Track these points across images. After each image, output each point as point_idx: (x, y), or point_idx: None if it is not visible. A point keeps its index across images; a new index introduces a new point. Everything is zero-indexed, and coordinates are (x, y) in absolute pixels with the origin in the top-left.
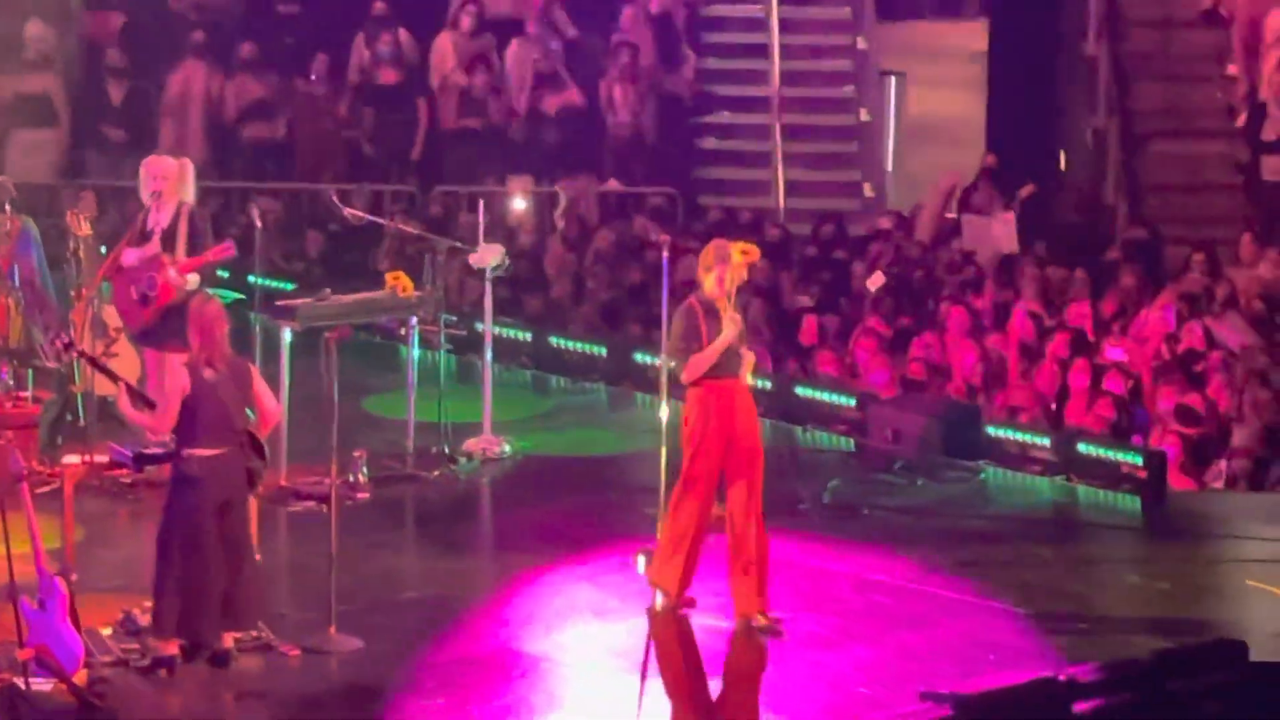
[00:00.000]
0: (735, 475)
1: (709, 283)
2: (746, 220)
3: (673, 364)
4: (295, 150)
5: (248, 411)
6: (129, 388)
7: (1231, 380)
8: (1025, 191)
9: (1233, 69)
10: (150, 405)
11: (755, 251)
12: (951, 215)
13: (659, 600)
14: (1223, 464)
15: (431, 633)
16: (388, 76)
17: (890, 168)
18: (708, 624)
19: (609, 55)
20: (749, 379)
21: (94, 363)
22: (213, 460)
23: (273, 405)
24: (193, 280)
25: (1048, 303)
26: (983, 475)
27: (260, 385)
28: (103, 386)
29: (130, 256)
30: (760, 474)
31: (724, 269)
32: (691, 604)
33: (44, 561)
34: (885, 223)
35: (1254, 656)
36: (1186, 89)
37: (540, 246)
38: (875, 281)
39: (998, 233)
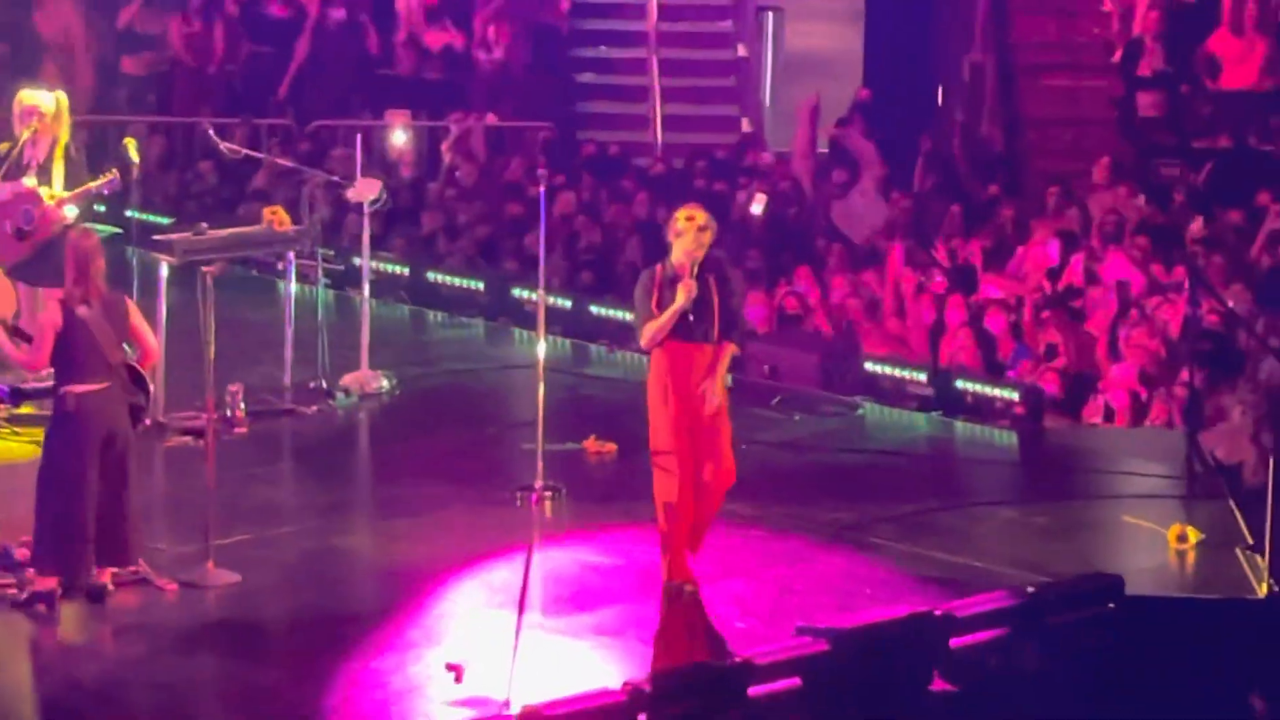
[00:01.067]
0: (704, 444)
1: (676, 249)
2: (617, 154)
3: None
4: (174, 85)
5: (126, 347)
6: (4, 324)
7: (1110, 316)
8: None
9: (1109, 4)
10: (29, 341)
11: (701, 216)
12: (823, 150)
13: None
14: (1100, 400)
15: (309, 567)
16: (268, 11)
17: (768, 103)
18: (588, 560)
19: None
20: (726, 377)
21: None
22: (91, 396)
23: (153, 341)
24: (70, 213)
25: (924, 238)
26: (860, 411)
27: (139, 321)
28: None
29: (3, 191)
30: (728, 442)
31: (689, 238)
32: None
33: None
34: (764, 158)
35: (1130, 591)
36: (1064, 24)
37: (419, 181)
38: (758, 203)
39: (859, 205)
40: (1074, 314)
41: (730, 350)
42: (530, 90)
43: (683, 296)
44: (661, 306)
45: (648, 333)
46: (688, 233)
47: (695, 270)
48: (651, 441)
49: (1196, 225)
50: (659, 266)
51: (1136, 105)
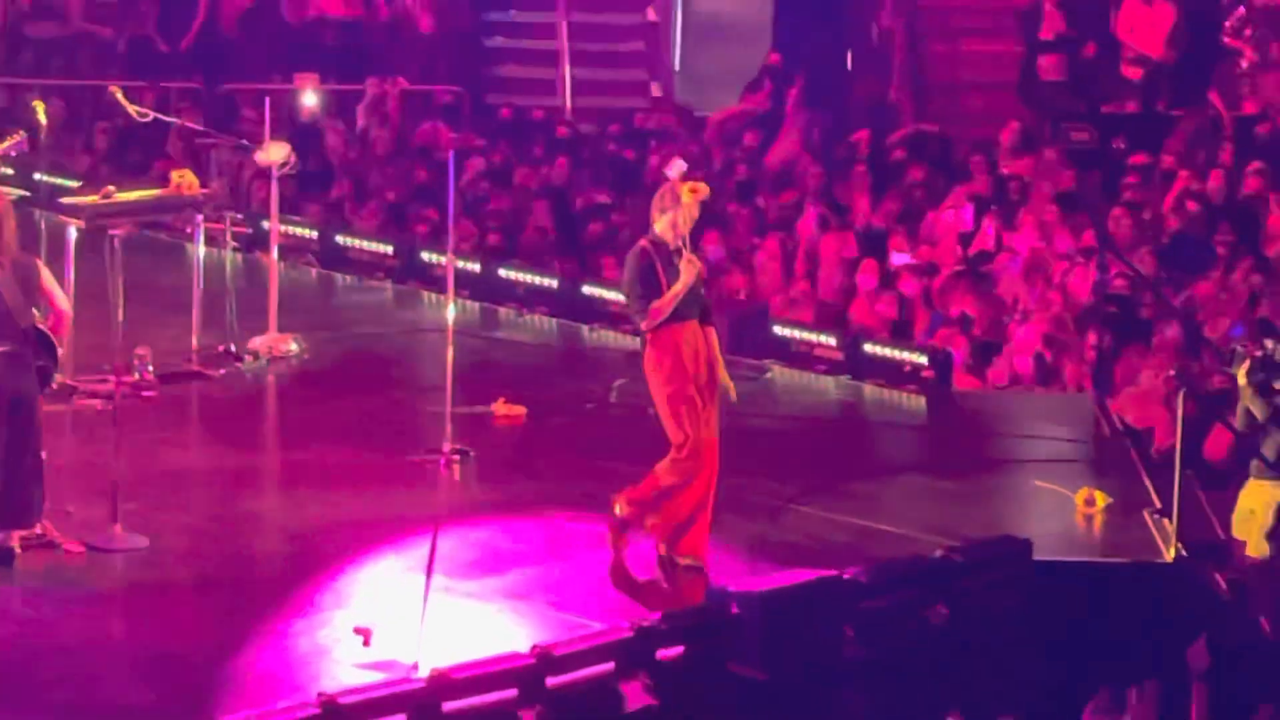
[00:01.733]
0: (710, 417)
1: (662, 225)
2: (526, 118)
3: (631, 311)
4: (80, 48)
5: (35, 310)
6: None
7: (1019, 281)
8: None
9: None
10: None
11: (703, 189)
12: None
13: (684, 563)
14: (1009, 364)
15: (217, 531)
16: None
17: (678, 67)
18: (496, 524)
19: None
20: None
21: None
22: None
23: (65, 303)
24: None
25: (834, 203)
26: (769, 374)
27: (50, 283)
28: None
29: None
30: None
31: (676, 211)
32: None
33: None
34: (673, 121)
35: (1038, 555)
36: None
37: (328, 144)
38: (677, 168)
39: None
40: (985, 279)
41: (713, 335)
42: (439, 54)
43: (689, 272)
44: (667, 284)
45: (660, 313)
46: (692, 205)
47: (688, 244)
48: (671, 426)
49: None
50: (644, 243)
51: (1038, 69)
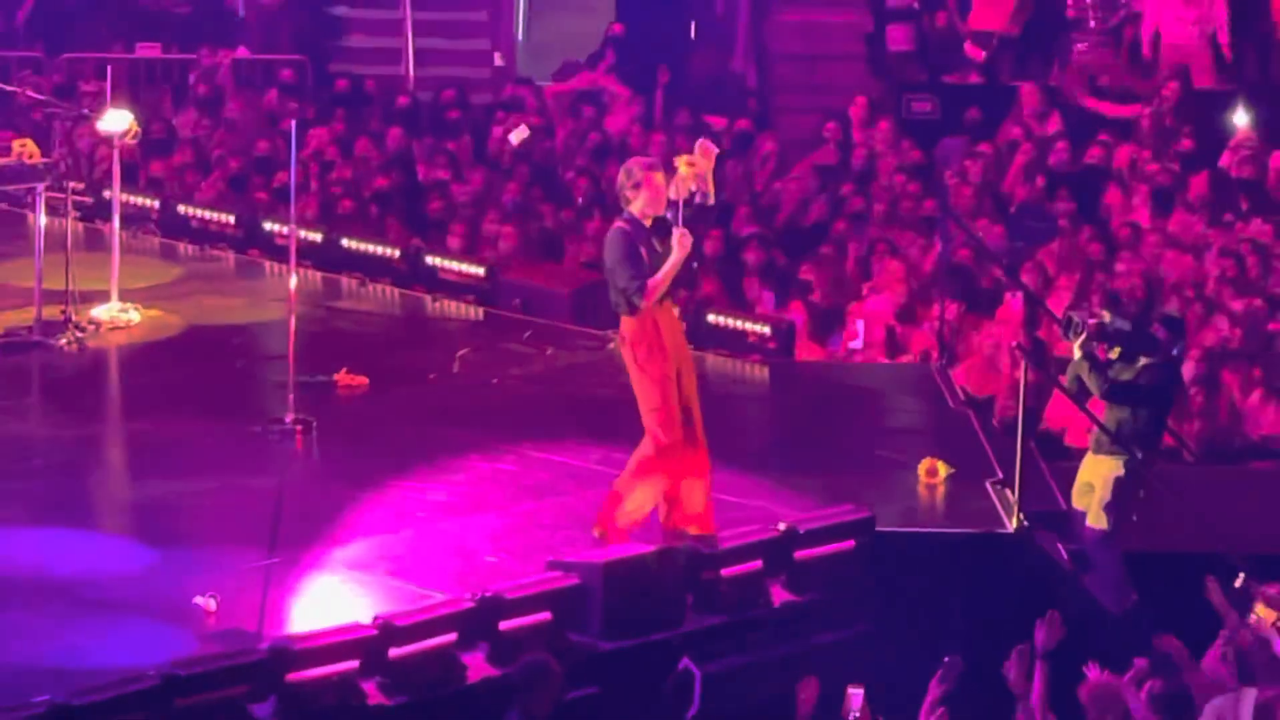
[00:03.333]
0: (688, 398)
1: (639, 204)
2: (369, 88)
3: (618, 293)
4: None
5: None
6: None
7: (863, 251)
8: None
9: None
10: None
11: (702, 160)
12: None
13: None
14: (852, 333)
15: (59, 500)
16: None
17: (521, 36)
18: (339, 494)
19: None
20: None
21: None
22: None
23: None
24: None
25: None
26: (611, 345)
27: None
28: None
29: None
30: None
31: (653, 183)
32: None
33: None
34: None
35: (880, 526)
36: None
37: (172, 113)
38: (520, 134)
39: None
40: (827, 248)
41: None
42: (283, 23)
43: (682, 248)
44: (650, 262)
45: (654, 290)
46: (688, 179)
47: (683, 216)
48: (657, 409)
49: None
50: (621, 224)
51: (887, 40)
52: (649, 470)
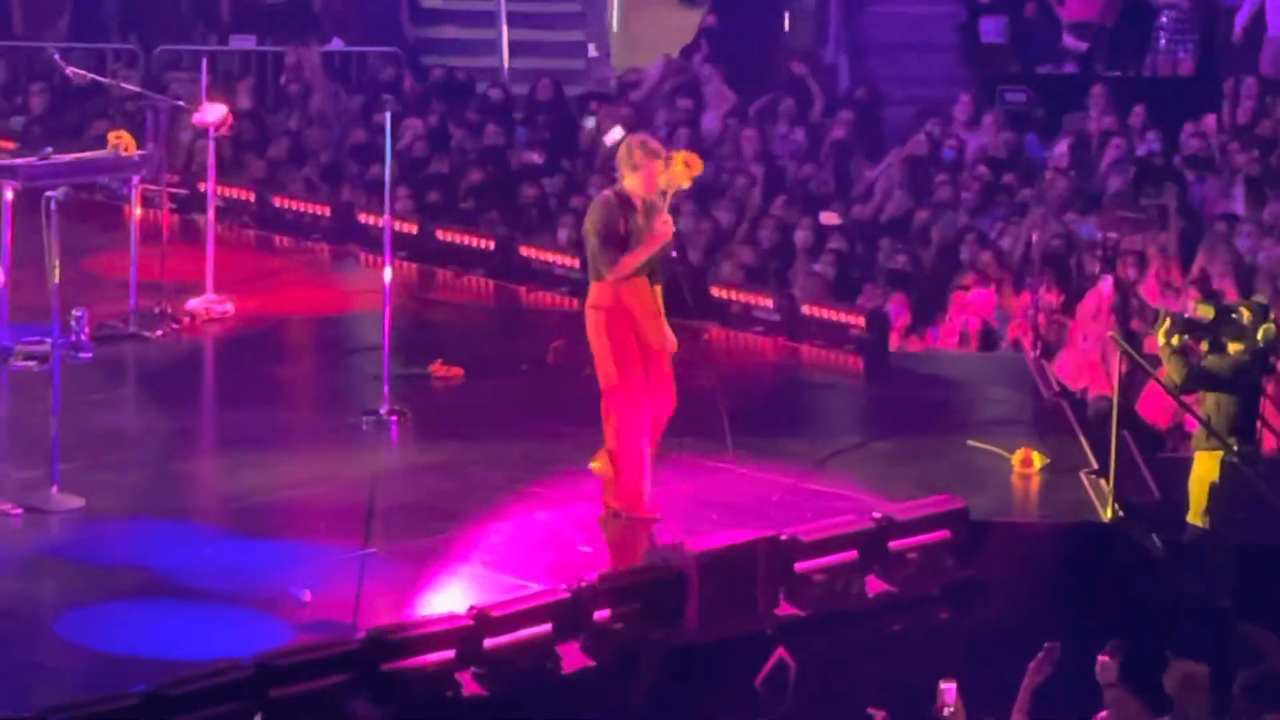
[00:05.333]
0: (657, 378)
1: (632, 181)
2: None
3: (593, 257)
4: (16, 8)
5: None
6: None
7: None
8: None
9: None
10: None
11: (698, 165)
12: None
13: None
14: (948, 324)
15: (153, 493)
16: None
17: (615, 28)
18: (434, 485)
19: None
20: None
21: None
22: None
23: None
24: None
25: (771, 164)
26: (707, 336)
27: None
28: None
29: None
30: (671, 373)
31: (651, 171)
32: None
33: None
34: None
35: (974, 516)
36: None
37: (263, 106)
38: (613, 136)
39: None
40: (914, 238)
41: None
42: (376, 15)
43: (664, 233)
44: (628, 238)
45: (626, 265)
46: (683, 176)
47: (670, 199)
48: (611, 376)
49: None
50: (610, 194)
51: (980, 30)
52: (618, 429)
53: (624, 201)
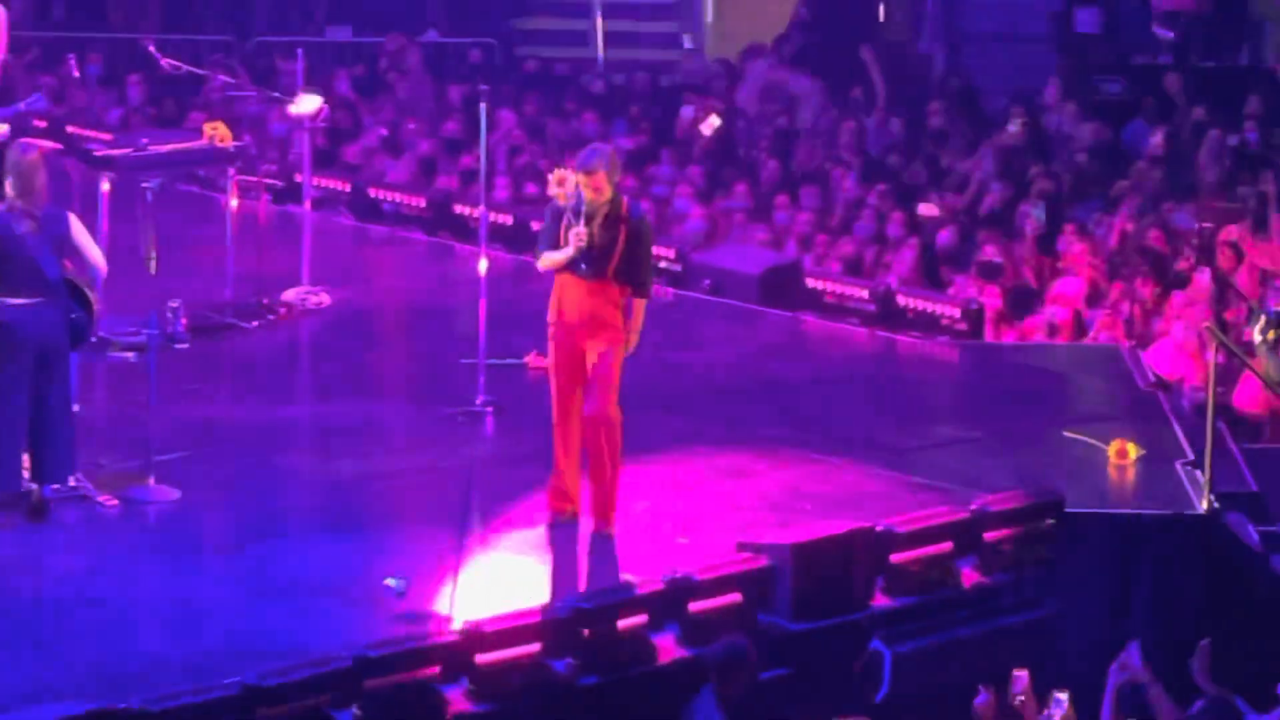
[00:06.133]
0: (588, 379)
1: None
2: (559, 70)
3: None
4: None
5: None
6: None
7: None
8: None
9: None
10: None
11: (570, 180)
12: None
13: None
14: (1043, 315)
15: (249, 484)
16: None
17: (710, 19)
18: (529, 476)
19: None
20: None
21: None
22: (26, 310)
23: (98, 256)
24: (2, 129)
25: (866, 154)
26: (802, 326)
27: (82, 236)
28: None
29: None
30: (610, 379)
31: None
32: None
33: None
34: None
35: (1070, 507)
36: None
37: (363, 97)
38: (709, 126)
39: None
40: (1011, 231)
41: (642, 306)
42: (472, 6)
43: (572, 244)
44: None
45: (542, 264)
46: (585, 187)
47: (585, 216)
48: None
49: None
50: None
51: (1075, 20)
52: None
53: (577, 204)
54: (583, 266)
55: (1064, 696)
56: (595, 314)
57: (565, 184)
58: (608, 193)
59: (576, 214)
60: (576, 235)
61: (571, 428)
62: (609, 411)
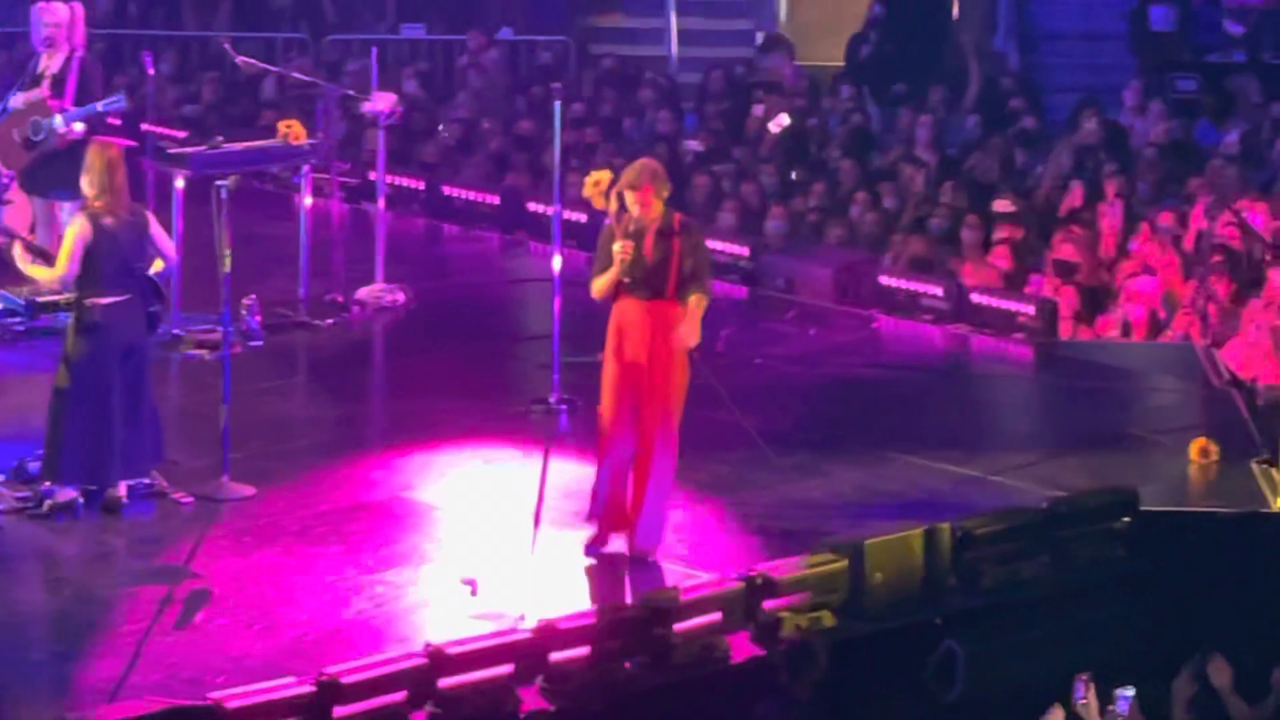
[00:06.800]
0: (647, 400)
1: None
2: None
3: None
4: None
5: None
6: (25, 242)
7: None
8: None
9: None
10: (46, 257)
11: (594, 182)
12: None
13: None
14: (1117, 314)
15: (324, 480)
16: None
17: (784, 16)
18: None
19: None
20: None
21: None
22: (115, 307)
23: (171, 252)
24: (78, 127)
25: (941, 152)
26: (876, 323)
27: (159, 233)
28: None
29: (18, 100)
30: (671, 401)
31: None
32: (602, 542)
33: None
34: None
35: (1145, 505)
36: None
37: (434, 96)
38: (779, 124)
39: None
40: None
41: (701, 303)
42: (545, 3)
43: (616, 260)
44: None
45: (596, 290)
46: (596, 199)
47: (633, 230)
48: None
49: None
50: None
51: (1149, 18)
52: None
53: (626, 223)
54: (639, 287)
55: (1129, 694)
56: (656, 336)
57: (601, 185)
58: (657, 208)
59: (625, 232)
60: (621, 249)
61: (624, 458)
62: (670, 437)
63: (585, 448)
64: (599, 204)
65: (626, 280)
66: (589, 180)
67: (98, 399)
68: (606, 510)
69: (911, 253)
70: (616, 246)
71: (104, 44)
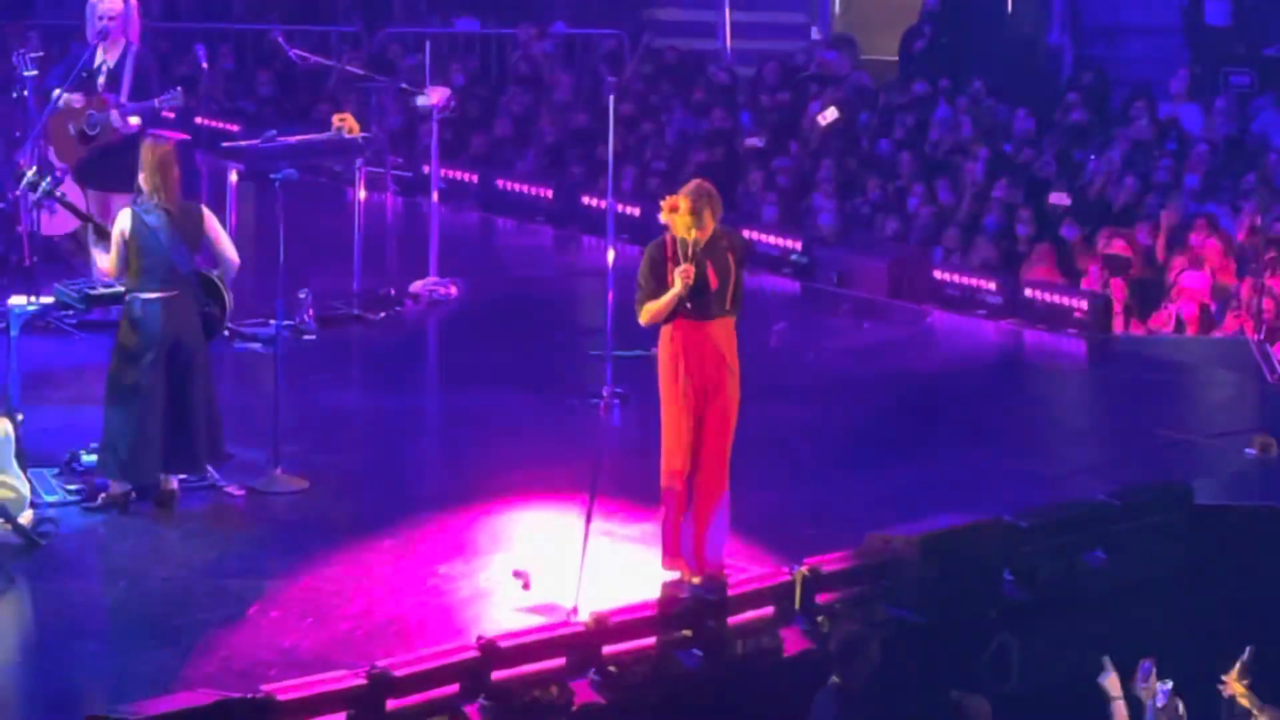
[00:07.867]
0: (710, 418)
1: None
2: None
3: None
4: None
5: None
6: (98, 225)
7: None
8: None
9: None
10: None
11: (671, 208)
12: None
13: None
14: (1170, 309)
15: (376, 474)
16: None
17: (838, 10)
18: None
19: None
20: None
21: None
22: (159, 303)
23: (232, 251)
24: (134, 121)
25: (995, 147)
26: (930, 318)
27: (217, 230)
28: (49, 226)
29: (75, 96)
30: (732, 418)
31: (670, 221)
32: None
33: None
34: (835, 65)
35: (1199, 500)
36: None
37: (487, 89)
38: (828, 116)
39: None
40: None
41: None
42: None
43: (679, 284)
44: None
45: (648, 315)
46: (674, 226)
47: (692, 252)
48: (662, 421)
49: None
50: (668, 236)
51: (1204, 12)
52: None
53: (675, 244)
54: (701, 308)
55: (1148, 663)
56: (722, 357)
57: (679, 211)
58: (712, 228)
59: (685, 255)
60: (683, 273)
61: (685, 493)
62: (728, 453)
63: (639, 440)
64: (680, 233)
65: (689, 304)
66: (665, 205)
67: (141, 393)
68: (677, 543)
69: (965, 247)
70: (679, 270)
71: (159, 38)
